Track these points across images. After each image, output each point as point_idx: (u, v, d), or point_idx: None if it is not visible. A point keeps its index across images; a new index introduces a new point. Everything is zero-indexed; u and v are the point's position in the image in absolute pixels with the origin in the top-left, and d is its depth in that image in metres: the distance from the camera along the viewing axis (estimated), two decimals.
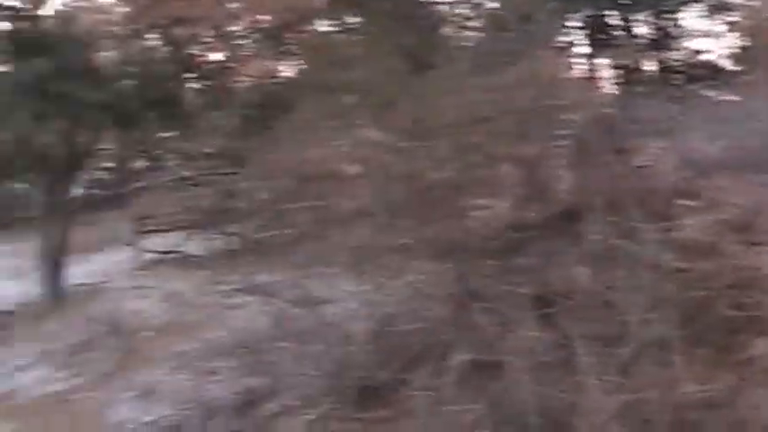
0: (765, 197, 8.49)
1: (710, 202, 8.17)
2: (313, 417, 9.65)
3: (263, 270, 10.76)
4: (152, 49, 22.37)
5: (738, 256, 7.73)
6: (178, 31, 22.04)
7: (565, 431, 7.26)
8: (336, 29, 21.15)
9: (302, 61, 22.47)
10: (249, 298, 11.33)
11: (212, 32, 23.27)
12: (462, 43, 15.72)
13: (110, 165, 33.55)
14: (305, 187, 9.80)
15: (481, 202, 8.06)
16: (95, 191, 31.66)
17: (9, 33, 18.32)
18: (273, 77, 24.02)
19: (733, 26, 24.51)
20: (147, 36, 22.03)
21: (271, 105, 19.84)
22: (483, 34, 15.15)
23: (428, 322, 8.69)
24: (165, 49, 22.08)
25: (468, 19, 17.85)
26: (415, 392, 8.30)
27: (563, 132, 8.43)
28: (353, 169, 9.24)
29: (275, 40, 23.46)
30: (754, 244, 7.89)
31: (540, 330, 7.57)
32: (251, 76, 23.86)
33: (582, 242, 7.82)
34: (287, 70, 24.23)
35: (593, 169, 8.25)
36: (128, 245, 21.49)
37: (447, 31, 17.62)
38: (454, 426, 7.83)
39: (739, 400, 6.82)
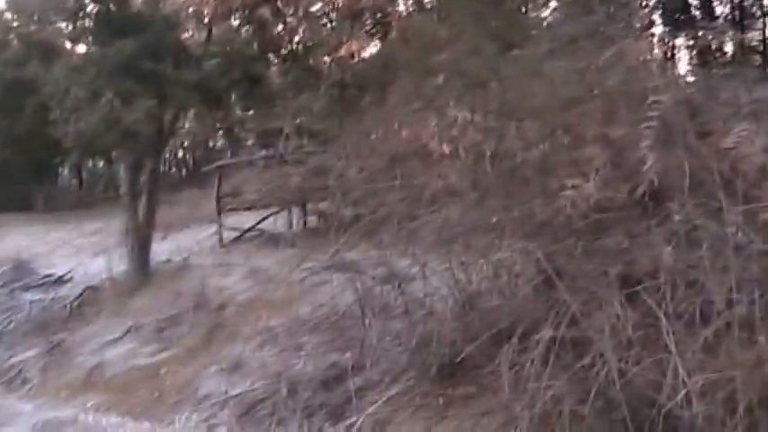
0: None
1: None
2: (397, 392, 9.82)
3: (350, 247, 10.93)
4: (237, 29, 22.67)
5: None
6: (262, 12, 22.30)
7: (648, 408, 7.37)
8: (419, 9, 21.21)
9: (388, 41, 22.56)
10: (335, 275, 11.50)
11: (296, 13, 23.50)
12: (546, 23, 15.71)
13: (194, 143, 33.92)
14: (394, 166, 9.93)
15: (569, 182, 8.12)
16: (179, 169, 32.08)
17: (99, 14, 18.65)
18: (359, 57, 24.15)
19: None
20: (232, 16, 22.31)
21: (357, 85, 20.03)
22: (566, 14, 15.13)
23: (514, 300, 8.81)
24: (250, 29, 22.36)
25: None
26: (499, 369, 8.41)
27: (649, 114, 8.46)
28: (443, 149, 9.35)
29: (359, 19, 23.61)
30: None
31: (625, 309, 7.64)
32: (336, 56, 24.01)
33: (667, 223, 7.88)
34: (372, 50, 24.33)
35: (678, 151, 8.29)
36: (211, 223, 21.76)
37: (531, 10, 17.63)
38: (538, 401, 7.95)
39: None
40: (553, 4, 17.23)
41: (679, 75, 13.16)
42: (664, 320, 7.43)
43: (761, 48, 23.22)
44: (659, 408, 7.23)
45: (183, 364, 13.32)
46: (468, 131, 9.14)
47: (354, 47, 24.11)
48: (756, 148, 8.24)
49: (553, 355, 7.98)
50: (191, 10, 21.63)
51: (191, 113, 26.70)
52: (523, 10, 17.50)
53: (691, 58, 21.76)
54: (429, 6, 20.56)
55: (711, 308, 7.36)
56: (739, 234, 7.62)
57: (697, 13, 23.73)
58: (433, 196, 9.23)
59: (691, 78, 14.75)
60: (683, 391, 7.04)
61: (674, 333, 7.35)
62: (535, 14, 17.46)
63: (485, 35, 11.65)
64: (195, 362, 13.09)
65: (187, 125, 30.19)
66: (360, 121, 12.00)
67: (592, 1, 10.67)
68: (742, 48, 23.09)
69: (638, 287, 7.72)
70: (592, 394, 7.62)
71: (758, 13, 24.02)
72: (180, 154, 36.73)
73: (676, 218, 7.86)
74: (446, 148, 9.26)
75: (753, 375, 6.96)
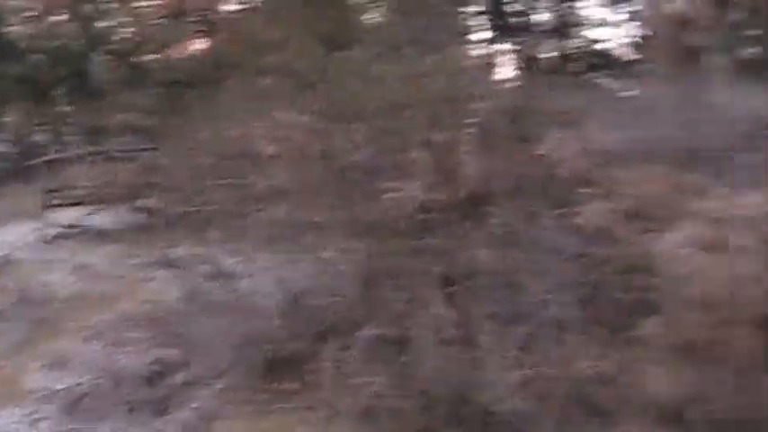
0: (660, 187, 8.91)
1: (608, 190, 8.54)
2: (222, 387, 9.88)
3: (177, 244, 10.95)
4: (62, 24, 22.34)
5: (633, 242, 8.14)
6: (87, 8, 22.05)
7: (466, 404, 7.60)
8: (249, 10, 21.17)
9: (218, 40, 22.49)
10: (162, 271, 11.48)
11: (122, 9, 23.28)
12: (374, 27, 15.92)
13: (16, 137, 33.20)
14: (223, 165, 10.01)
15: (394, 184, 8.34)
16: (3, 163, 31.29)
17: None
18: (188, 55, 24.00)
19: (636, 15, 24.84)
20: (57, 11, 22.00)
21: (186, 83, 19.96)
22: (394, 19, 15.36)
23: (339, 298, 8.96)
24: (75, 24, 22.07)
25: (379, 4, 18.00)
26: (323, 365, 8.58)
27: (471, 120, 8.72)
28: (272, 149, 9.46)
29: (185, 18, 23.48)
30: (647, 231, 8.28)
31: (446, 308, 7.88)
32: (164, 54, 23.82)
33: (487, 225, 8.14)
34: (201, 48, 24.20)
35: (498, 156, 8.57)
36: (35, 218, 21.34)
37: (360, 14, 17.78)
38: (360, 397, 8.13)
39: (629, 377, 7.21)
40: (383, 10, 17.41)
41: (501, 81, 13.50)
42: (483, 319, 7.70)
43: (581, 56, 23.82)
44: (477, 404, 7.48)
45: (6, 359, 13.08)
46: (296, 133, 9.28)
47: (183, 45, 23.98)
48: (572, 154, 8.59)
49: (376, 352, 8.17)
50: (15, 4, 21.30)
51: (16, 107, 26.14)
52: (353, 13, 17.63)
53: (513, 65, 22.23)
54: (258, 7, 20.55)
55: (528, 308, 7.67)
56: (554, 237, 7.92)
57: (520, 21, 24.20)
58: (261, 195, 9.33)
59: (512, 85, 15.12)
60: (501, 388, 7.31)
61: (492, 332, 7.62)
62: (364, 18, 17.63)
63: (314, 37, 11.79)
64: (19, 357, 12.89)
65: (11, 119, 29.59)
66: (189, 119, 12.03)
67: (418, 7, 10.88)
68: (563, 56, 23.72)
69: (459, 287, 7.97)
70: (413, 391, 7.83)
71: (577, 22, 24.65)
72: (5, 147, 35.92)
73: (495, 221, 8.13)
74: (274, 149, 9.39)
75: (564, 372, 7.28)
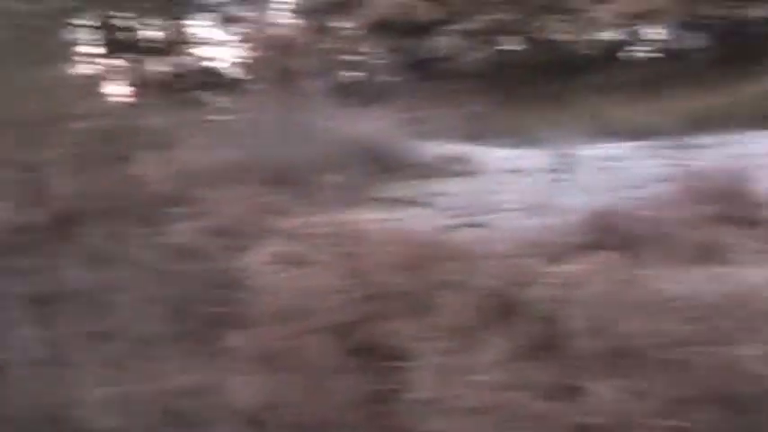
0: (248, 206, 9.26)
1: (200, 209, 8.78)
2: None
3: None
4: None
5: (220, 258, 8.42)
6: None
7: (60, 425, 7.58)
8: None
9: None
10: None
11: None
12: None
13: None
14: None
15: None
16: None
17: None
18: None
19: (243, 37, 25.30)
20: None
21: None
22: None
23: None
24: None
25: None
26: None
27: (68, 139, 8.73)
28: None
29: None
30: (234, 248, 8.59)
31: (37, 328, 7.86)
32: None
33: (78, 245, 8.19)
34: None
35: (93, 176, 8.63)
36: None
37: None
38: None
39: (216, 387, 7.44)
40: None
41: (103, 99, 13.47)
42: (75, 339, 7.73)
43: (188, 75, 24.03)
44: (70, 423, 7.49)
45: None
46: None
47: None
48: (165, 174, 8.80)
49: None
50: None
51: None
52: None
53: (122, 83, 22.14)
54: None
55: (119, 324, 7.77)
56: (146, 255, 8.08)
57: (130, 36, 24.07)
58: None
59: (117, 102, 15.10)
60: (94, 407, 7.36)
61: (85, 350, 7.66)
62: None
63: None
64: None
65: None
66: None
67: (21, 21, 10.72)
68: (172, 73, 23.85)
69: (50, 307, 7.96)
70: (4, 414, 7.73)
71: (188, 40, 24.87)
72: None
73: (89, 240, 8.19)
74: None
75: (156, 386, 7.42)
